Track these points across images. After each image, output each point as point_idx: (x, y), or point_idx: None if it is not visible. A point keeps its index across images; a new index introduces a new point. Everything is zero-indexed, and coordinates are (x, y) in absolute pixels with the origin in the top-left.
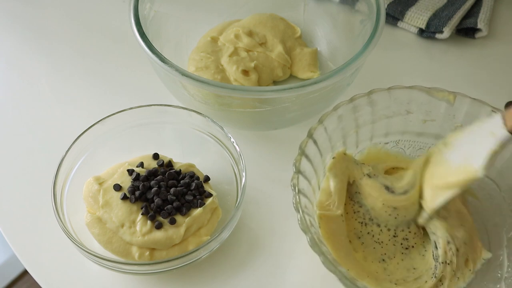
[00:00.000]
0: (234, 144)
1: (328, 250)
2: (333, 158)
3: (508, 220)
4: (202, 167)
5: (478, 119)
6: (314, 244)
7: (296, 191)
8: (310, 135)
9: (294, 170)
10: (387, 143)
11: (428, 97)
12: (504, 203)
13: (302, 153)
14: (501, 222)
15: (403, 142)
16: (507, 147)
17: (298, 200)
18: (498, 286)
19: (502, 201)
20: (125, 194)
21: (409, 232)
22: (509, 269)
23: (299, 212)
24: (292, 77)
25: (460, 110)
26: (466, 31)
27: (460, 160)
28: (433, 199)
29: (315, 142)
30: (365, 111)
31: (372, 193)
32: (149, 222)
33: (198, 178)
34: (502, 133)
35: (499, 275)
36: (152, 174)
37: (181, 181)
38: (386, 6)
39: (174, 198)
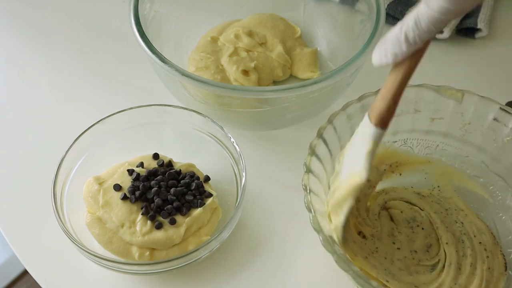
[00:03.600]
0: (234, 144)
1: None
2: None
3: None
4: (202, 167)
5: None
6: (327, 244)
7: (308, 190)
8: (320, 135)
9: (305, 170)
10: (395, 141)
11: (436, 95)
12: None
13: (313, 153)
14: (510, 218)
15: (411, 140)
16: None
17: (309, 199)
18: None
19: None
20: (125, 194)
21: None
22: None
23: (311, 211)
24: (292, 77)
25: (468, 108)
26: (466, 31)
27: (347, 173)
28: (335, 220)
29: (324, 141)
30: None
31: None
32: (149, 222)
33: (198, 178)
34: (371, 129)
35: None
36: (152, 174)
37: (181, 181)
38: (386, 6)
39: (174, 198)
